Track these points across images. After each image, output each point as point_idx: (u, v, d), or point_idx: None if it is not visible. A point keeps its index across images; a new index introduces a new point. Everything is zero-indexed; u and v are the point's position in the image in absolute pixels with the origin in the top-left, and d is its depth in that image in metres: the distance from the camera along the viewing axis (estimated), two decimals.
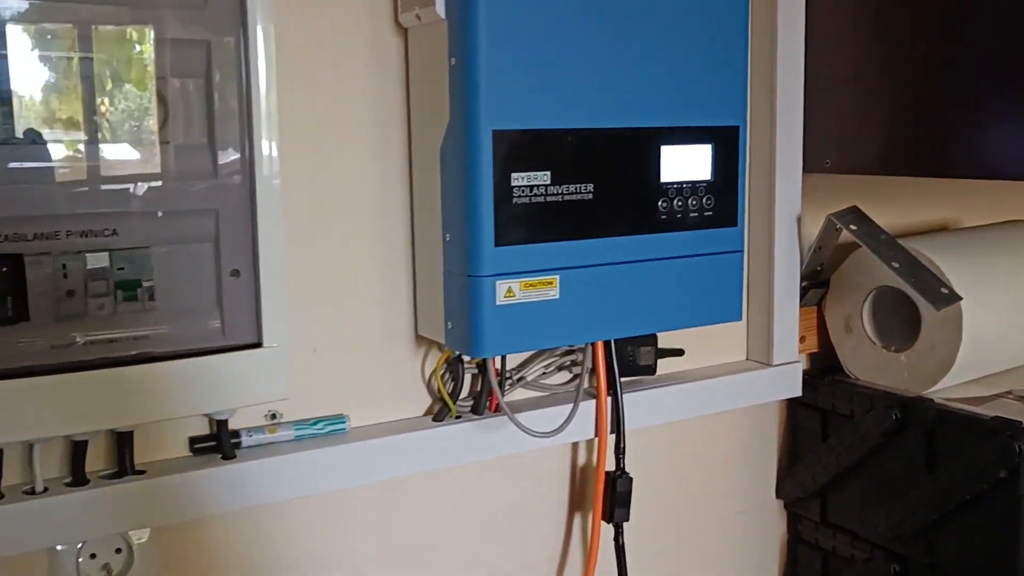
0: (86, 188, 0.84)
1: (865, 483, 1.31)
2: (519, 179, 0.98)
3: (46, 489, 0.91)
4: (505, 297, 0.99)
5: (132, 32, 0.84)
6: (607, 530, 1.21)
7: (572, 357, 1.20)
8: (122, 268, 0.86)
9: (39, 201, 0.83)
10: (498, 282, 0.98)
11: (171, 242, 0.88)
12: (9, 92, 0.79)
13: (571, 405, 1.16)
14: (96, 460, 0.94)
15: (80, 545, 0.94)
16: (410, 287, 1.09)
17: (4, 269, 0.81)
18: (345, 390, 1.07)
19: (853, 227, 1.27)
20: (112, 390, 0.85)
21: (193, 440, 1.00)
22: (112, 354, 0.86)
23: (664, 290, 1.07)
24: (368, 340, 1.08)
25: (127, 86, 0.85)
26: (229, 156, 0.89)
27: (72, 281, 0.84)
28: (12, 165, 0.81)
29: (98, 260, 0.85)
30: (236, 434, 1.00)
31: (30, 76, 0.80)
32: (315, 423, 1.05)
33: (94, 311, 0.85)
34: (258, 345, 0.92)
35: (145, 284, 0.87)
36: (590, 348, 1.18)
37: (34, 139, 0.81)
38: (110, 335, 0.86)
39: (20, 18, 0.79)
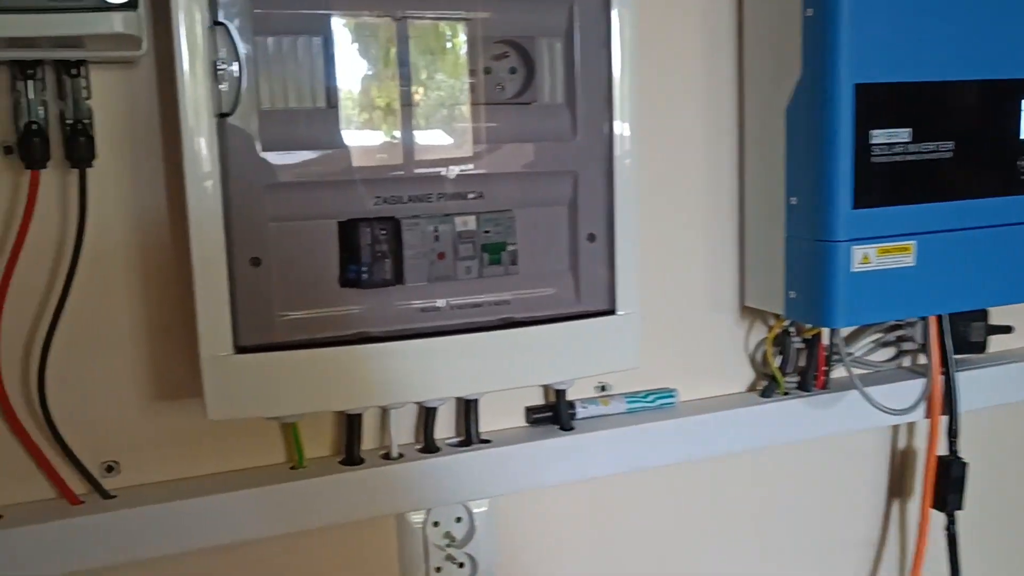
0: (459, 150, 0.82)
1: None
2: (879, 136, 0.91)
3: (401, 455, 0.90)
4: (860, 264, 0.92)
5: None
6: (936, 517, 1.12)
7: (899, 333, 1.12)
8: (487, 231, 0.84)
9: (414, 165, 0.81)
10: (854, 247, 0.91)
11: (531, 205, 0.86)
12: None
13: (903, 383, 1.08)
14: (440, 427, 0.93)
15: (426, 512, 0.93)
16: (736, 255, 1.04)
17: (384, 232, 0.80)
18: (671, 362, 1.03)
19: None
20: (474, 356, 0.83)
21: (530, 410, 0.98)
22: (475, 319, 0.85)
23: None
24: (694, 311, 1.04)
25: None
26: (588, 117, 0.86)
27: (442, 244, 0.82)
28: (395, 133, 0.80)
29: (467, 223, 0.83)
30: (571, 405, 0.98)
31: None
32: (646, 396, 1.01)
33: (462, 274, 0.83)
34: (611, 312, 0.88)
35: (509, 247, 0.84)
36: (921, 323, 1.09)
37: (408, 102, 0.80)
38: (475, 299, 0.85)
39: None
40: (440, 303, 0.83)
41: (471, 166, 0.83)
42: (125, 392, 0.83)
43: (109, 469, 0.84)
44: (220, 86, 0.73)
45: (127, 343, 0.82)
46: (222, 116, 0.74)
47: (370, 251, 0.80)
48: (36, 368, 0.79)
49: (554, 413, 0.97)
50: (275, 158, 0.77)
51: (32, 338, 0.80)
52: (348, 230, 0.80)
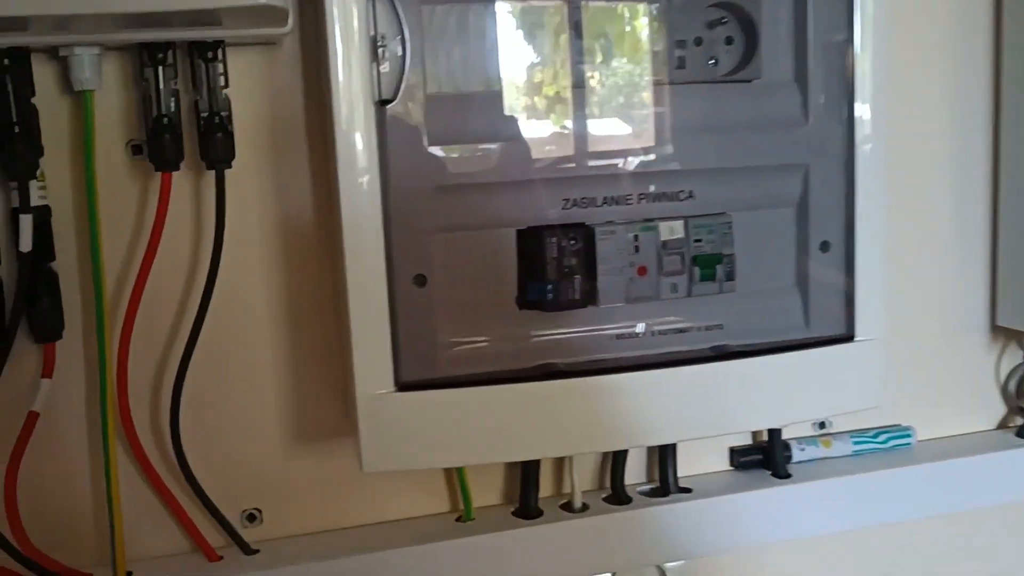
0: (661, 139, 0.66)
1: None
2: None
3: (585, 506, 0.75)
4: None
5: None
6: None
7: None
8: (699, 240, 0.68)
9: (609, 157, 0.66)
10: None
11: (750, 207, 0.69)
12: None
13: None
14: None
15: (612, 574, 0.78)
16: (987, 266, 0.85)
17: (574, 242, 0.65)
18: (906, 393, 0.85)
19: None
20: (682, 394, 0.67)
21: (736, 452, 0.81)
22: (682, 348, 0.69)
23: None
24: (934, 332, 0.86)
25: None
26: (823, 97, 0.68)
27: (644, 256, 0.67)
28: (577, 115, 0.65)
29: (673, 229, 0.67)
30: (786, 447, 0.81)
31: None
32: (876, 435, 0.83)
33: (666, 293, 0.68)
34: (848, 339, 0.71)
35: (725, 260, 0.68)
36: None
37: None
38: (680, 324, 0.69)
39: None
40: (639, 328, 0.68)
41: (677, 161, 0.67)
42: (267, 431, 0.71)
43: (250, 518, 0.72)
44: (380, 67, 0.59)
45: (268, 376, 0.71)
46: (382, 103, 0.60)
47: (556, 265, 0.65)
48: (169, 401, 0.68)
49: (765, 456, 0.80)
50: (444, 153, 0.63)
51: (163, 368, 0.68)
52: (529, 240, 0.65)
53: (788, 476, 0.80)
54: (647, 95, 0.66)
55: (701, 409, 0.68)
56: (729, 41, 0.68)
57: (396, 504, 0.75)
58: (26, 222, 0.62)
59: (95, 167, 0.63)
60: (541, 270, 0.65)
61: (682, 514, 0.76)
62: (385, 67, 0.60)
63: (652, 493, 0.78)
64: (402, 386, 0.63)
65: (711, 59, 0.67)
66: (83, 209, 0.65)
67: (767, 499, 0.78)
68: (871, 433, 0.83)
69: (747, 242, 0.69)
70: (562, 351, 0.67)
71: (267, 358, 0.70)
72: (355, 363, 0.62)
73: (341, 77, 0.59)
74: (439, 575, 0.71)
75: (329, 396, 0.72)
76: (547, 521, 0.74)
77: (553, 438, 0.65)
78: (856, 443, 0.83)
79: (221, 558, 0.69)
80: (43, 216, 0.64)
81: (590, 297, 0.67)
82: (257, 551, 0.70)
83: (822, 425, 0.84)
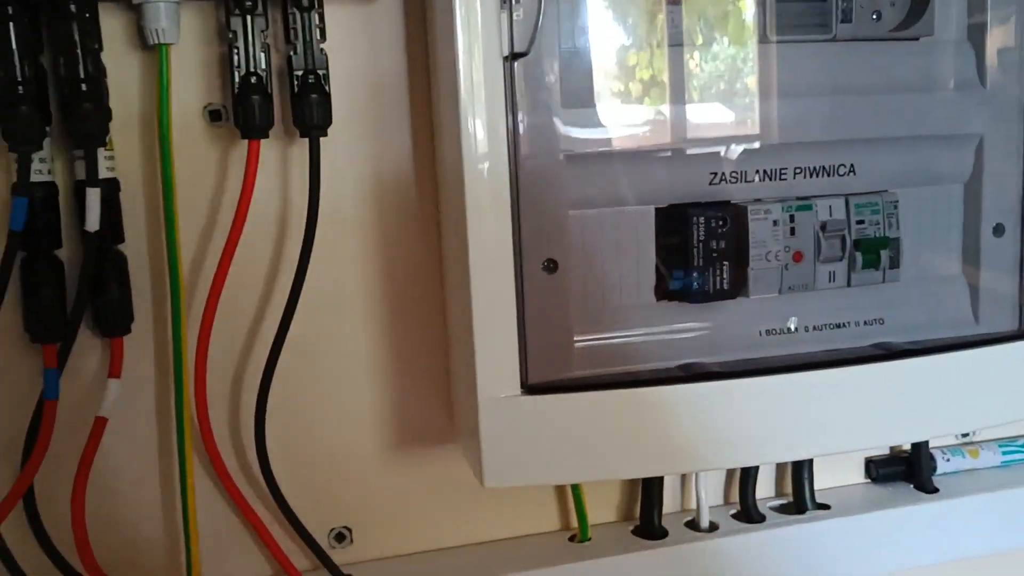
0: (824, 101, 0.57)
1: None
2: None
3: (713, 525, 0.66)
4: None
5: None
6: None
7: None
8: (861, 221, 0.59)
9: (765, 125, 0.57)
10: None
11: (914, 182, 0.60)
12: None
13: None
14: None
15: None
16: None
17: (723, 223, 0.56)
18: None
19: None
20: (842, 398, 0.58)
21: (875, 463, 0.72)
22: (839, 345, 0.60)
23: None
24: None
25: None
26: (1003, 57, 0.59)
27: (800, 239, 0.58)
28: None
29: (832, 209, 0.58)
30: (930, 457, 0.72)
31: None
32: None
33: (823, 282, 0.58)
34: (1022, 336, 0.62)
35: (890, 244, 0.59)
36: None
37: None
38: (837, 319, 0.59)
39: None
40: (792, 323, 0.59)
41: (837, 129, 0.58)
42: (358, 439, 0.63)
43: (339, 538, 0.63)
44: (515, 14, 0.50)
45: (361, 375, 0.62)
46: (513, 57, 0.51)
47: (703, 249, 0.56)
48: (250, 405, 0.59)
49: (908, 468, 0.71)
50: (579, 118, 0.53)
51: (244, 367, 0.60)
52: (672, 220, 0.57)
53: (935, 490, 0.70)
54: (808, 53, 0.57)
55: (863, 416, 0.59)
56: None
57: (501, 522, 0.66)
58: (94, 197, 0.53)
59: (171, 134, 0.54)
60: (685, 255, 0.57)
61: (822, 534, 0.67)
62: (519, 14, 0.51)
63: (784, 509, 0.69)
64: (529, 389, 0.54)
65: (873, 13, 0.58)
66: (154, 183, 0.57)
67: (915, 516, 0.69)
68: (1020, 442, 0.74)
69: (911, 224, 0.60)
70: (707, 349, 0.58)
71: (361, 355, 0.62)
72: (478, 363, 0.53)
73: (466, 26, 0.50)
74: None
75: (429, 398, 0.63)
76: (673, 543, 0.65)
77: (704, 449, 0.56)
78: (1005, 452, 0.73)
79: None
80: (111, 191, 0.55)
81: (740, 286, 0.58)
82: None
83: (965, 433, 0.74)
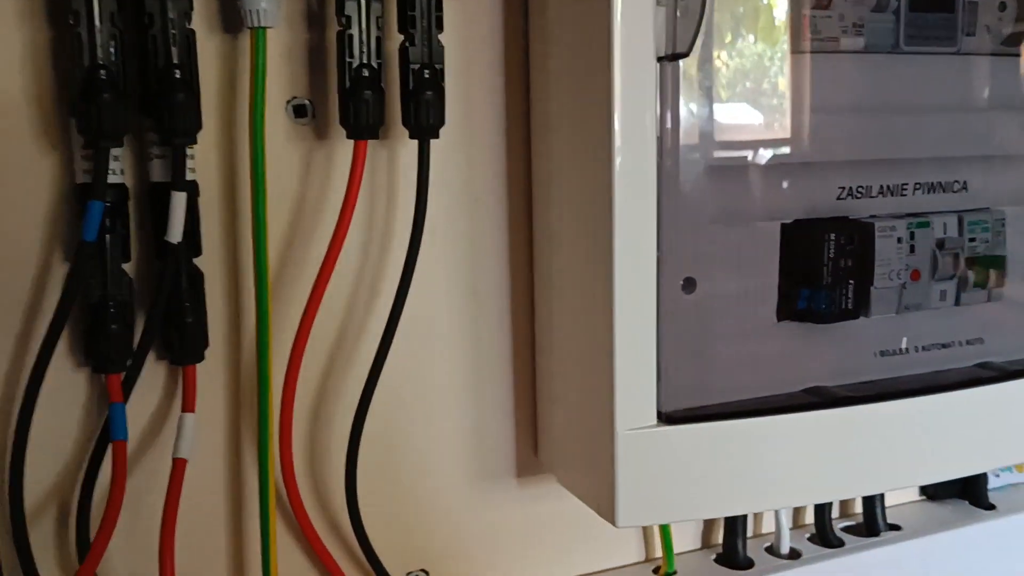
0: (946, 116, 0.56)
1: None
2: None
3: (795, 552, 0.64)
4: None
5: None
6: None
7: None
8: (972, 239, 0.57)
9: (891, 139, 0.55)
10: None
11: (1017, 201, 0.59)
12: None
13: None
14: None
15: None
16: None
17: (850, 240, 0.53)
18: None
19: None
20: (948, 423, 0.56)
21: None
22: (944, 366, 0.58)
23: None
24: None
25: None
26: None
27: (919, 257, 0.56)
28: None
29: (947, 226, 0.56)
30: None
31: None
32: None
33: (935, 301, 0.57)
34: None
35: (999, 262, 0.58)
36: None
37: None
38: (944, 338, 0.58)
39: None
40: (904, 343, 0.57)
41: (954, 145, 0.57)
42: (438, 475, 0.57)
43: None
44: (677, 11, 0.46)
45: (445, 405, 0.56)
46: (672, 58, 0.46)
47: (832, 268, 0.53)
48: (337, 442, 0.52)
49: (963, 485, 0.71)
50: (722, 124, 0.50)
51: (330, 400, 0.53)
52: (799, 237, 0.53)
53: (992, 507, 0.70)
54: (933, 65, 0.55)
55: (973, 438, 0.57)
56: (1002, 7, 0.58)
57: (580, 557, 0.61)
58: (179, 202, 0.45)
59: (264, 131, 0.47)
60: (814, 273, 0.53)
61: (899, 556, 0.65)
62: (680, 11, 0.46)
63: (854, 530, 0.67)
64: (666, 419, 0.50)
65: (994, 27, 0.57)
66: (232, 187, 0.49)
67: (979, 534, 0.68)
68: None
69: (1018, 242, 0.59)
70: (828, 372, 0.55)
71: (445, 382, 0.56)
72: (617, 392, 0.48)
73: (623, 24, 0.45)
74: None
75: (510, 431, 0.57)
76: (761, 573, 0.62)
77: (837, 477, 0.53)
78: None
79: None
80: (191, 196, 0.47)
81: (862, 306, 0.55)
82: None
83: None
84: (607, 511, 0.50)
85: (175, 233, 0.45)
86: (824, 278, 0.53)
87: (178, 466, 0.47)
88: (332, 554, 0.53)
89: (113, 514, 0.44)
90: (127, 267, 0.47)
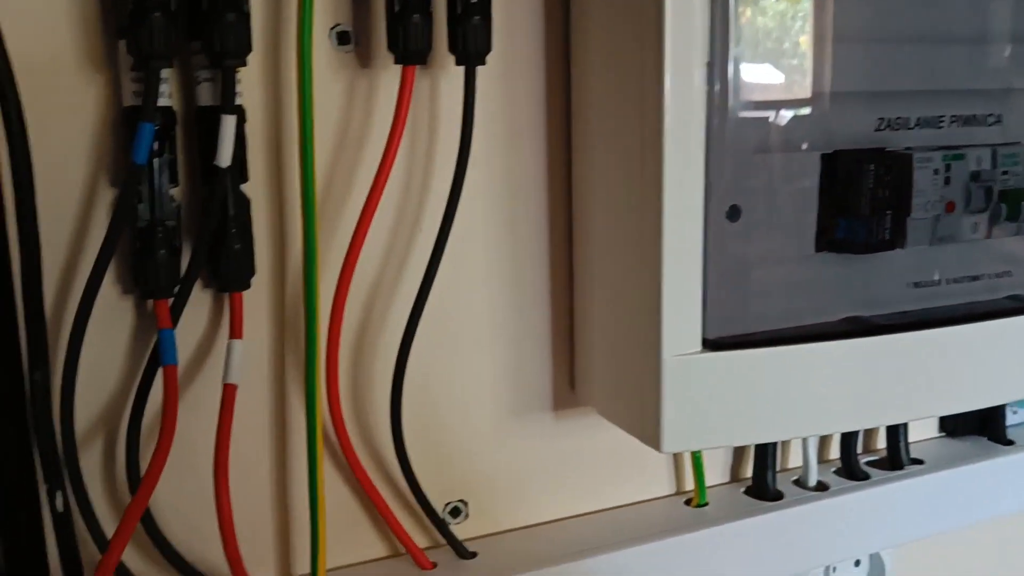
0: (987, 47, 0.56)
1: None
2: None
3: (822, 484, 0.65)
4: None
5: None
6: None
7: None
8: (1005, 172, 0.58)
9: (929, 70, 0.55)
10: None
11: None
12: None
13: None
14: None
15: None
16: None
17: (889, 171, 0.54)
18: None
19: None
20: (983, 353, 0.57)
21: (950, 417, 0.72)
22: (975, 298, 0.59)
23: None
24: None
25: None
26: None
27: (953, 189, 0.56)
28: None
29: (980, 159, 0.57)
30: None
31: None
32: None
33: (967, 233, 0.57)
34: None
35: None
36: None
37: None
38: (974, 271, 0.59)
39: None
40: (936, 275, 0.57)
41: (991, 78, 0.57)
42: (478, 408, 0.57)
43: (454, 513, 0.57)
44: None
45: (485, 337, 0.56)
46: None
47: (870, 198, 0.54)
48: (383, 373, 0.52)
49: (981, 421, 0.72)
50: (764, 55, 0.50)
51: (375, 329, 0.53)
52: (840, 167, 0.54)
53: (1011, 442, 0.72)
54: None
55: (997, 371, 0.58)
56: None
57: (613, 489, 0.62)
58: (228, 125, 0.45)
59: (312, 55, 0.47)
60: (854, 203, 0.54)
61: (923, 489, 0.66)
62: None
63: (877, 464, 0.68)
64: (710, 344, 0.50)
65: None
66: (276, 113, 0.49)
67: (999, 468, 0.70)
68: None
69: None
70: (864, 302, 0.56)
71: (483, 316, 0.56)
72: (664, 318, 0.49)
73: None
74: (679, 571, 0.59)
75: (546, 364, 0.58)
76: (790, 504, 0.63)
77: (870, 405, 0.54)
78: None
79: (435, 565, 0.55)
80: (239, 120, 0.47)
81: (898, 237, 0.55)
82: (475, 554, 0.56)
83: None
84: (652, 438, 0.50)
85: (224, 157, 0.45)
86: (862, 208, 0.54)
87: (228, 392, 0.47)
88: (376, 487, 0.53)
89: (167, 439, 0.44)
90: (173, 193, 0.46)
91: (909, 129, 0.55)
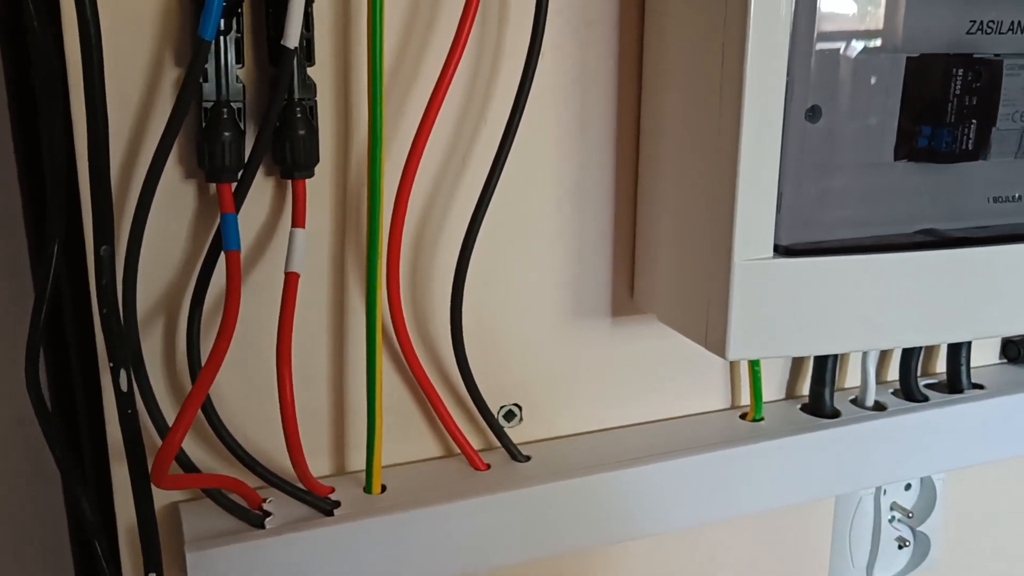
0: None
1: None
2: None
3: (880, 404, 0.63)
4: None
5: None
6: None
7: None
8: None
9: None
10: None
11: None
12: None
13: None
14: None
15: None
16: None
17: (978, 78, 0.51)
18: None
19: None
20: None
21: (1012, 343, 0.71)
22: None
23: None
24: None
25: None
26: None
27: None
28: None
29: None
30: None
31: None
32: None
33: None
34: None
35: None
36: None
37: None
38: None
39: None
40: (1018, 191, 0.55)
41: None
42: (536, 312, 0.56)
43: (508, 416, 0.57)
44: None
45: (546, 241, 0.55)
46: None
47: (957, 106, 0.51)
48: (443, 272, 0.51)
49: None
50: None
51: (436, 227, 0.52)
52: (926, 71, 0.51)
53: None
54: None
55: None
56: None
57: (667, 399, 0.61)
58: (297, 4, 0.43)
59: None
60: (938, 110, 0.51)
61: (982, 413, 0.65)
62: None
63: (936, 388, 0.67)
64: (784, 251, 0.49)
65: None
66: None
67: None
68: None
69: None
70: (943, 214, 0.54)
71: (546, 219, 0.54)
72: (737, 221, 0.47)
73: None
74: (733, 484, 0.58)
75: (605, 269, 0.56)
76: (847, 422, 0.61)
77: (945, 319, 0.52)
78: None
79: (488, 466, 0.54)
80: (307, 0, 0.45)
81: (981, 148, 0.53)
82: (528, 457, 0.55)
83: None
84: (717, 344, 0.49)
85: (292, 37, 0.43)
86: (948, 115, 0.51)
87: (291, 280, 0.46)
88: (435, 387, 0.53)
89: (230, 324, 0.44)
90: (239, 73, 0.45)
91: (1001, 34, 0.52)
